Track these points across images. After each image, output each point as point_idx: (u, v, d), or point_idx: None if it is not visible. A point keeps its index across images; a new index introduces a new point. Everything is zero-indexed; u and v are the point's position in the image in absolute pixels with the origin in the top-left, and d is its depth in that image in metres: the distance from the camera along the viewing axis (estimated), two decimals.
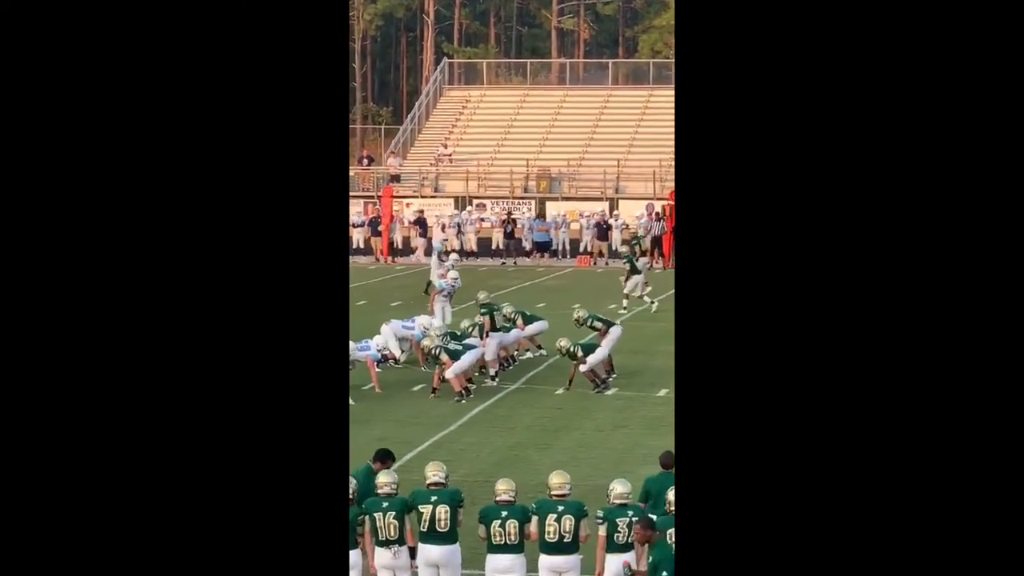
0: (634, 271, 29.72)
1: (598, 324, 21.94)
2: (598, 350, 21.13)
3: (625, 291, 29.72)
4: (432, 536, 11.22)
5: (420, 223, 42.62)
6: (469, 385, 20.62)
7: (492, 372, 21.66)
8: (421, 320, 23.16)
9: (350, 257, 38.51)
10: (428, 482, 11.46)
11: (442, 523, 11.21)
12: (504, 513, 11.13)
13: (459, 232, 42.75)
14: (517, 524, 11.08)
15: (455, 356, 20.47)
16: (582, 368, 20.79)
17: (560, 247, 42.83)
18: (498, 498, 11.26)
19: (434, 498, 11.30)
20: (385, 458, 12.60)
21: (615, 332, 21.81)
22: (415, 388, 21.26)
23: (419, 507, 11.28)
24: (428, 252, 41.07)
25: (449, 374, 20.32)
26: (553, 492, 11.31)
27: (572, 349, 20.86)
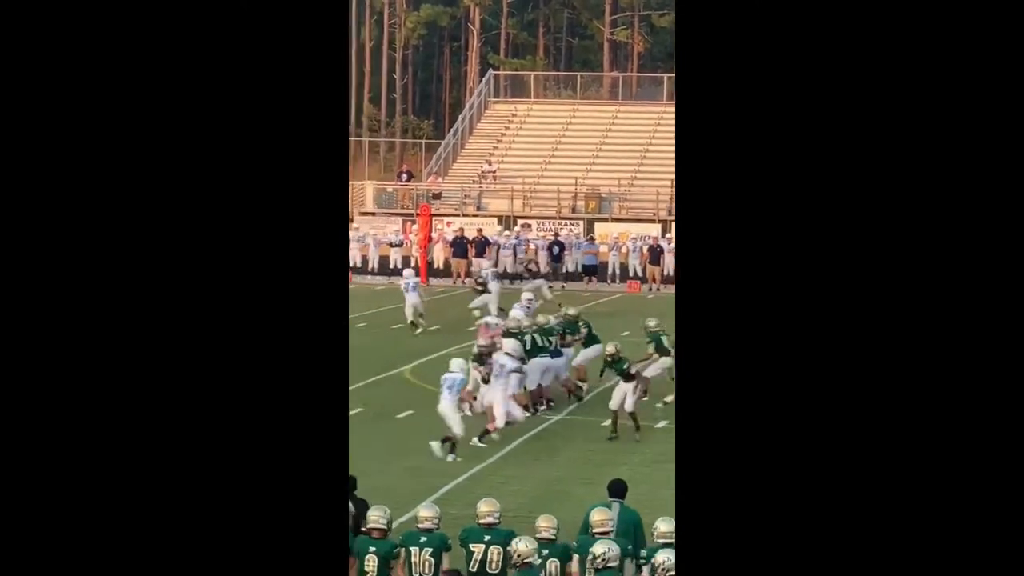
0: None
1: (651, 348, 21.95)
2: (650, 367, 21.28)
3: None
4: None
5: (478, 244, 42.44)
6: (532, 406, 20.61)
7: (537, 404, 21.64)
8: (515, 313, 23.44)
9: (387, 278, 38.67)
10: (481, 521, 11.48)
11: (493, 564, 11.23)
12: (545, 551, 11.20)
13: (514, 254, 42.70)
14: (559, 564, 11.13)
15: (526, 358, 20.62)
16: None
17: (612, 271, 42.83)
18: (539, 535, 11.32)
19: (487, 537, 11.33)
20: (624, 490, 12.59)
21: (667, 362, 21.84)
22: None
23: (471, 546, 11.30)
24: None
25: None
26: (595, 530, 11.36)
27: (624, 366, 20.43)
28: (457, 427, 19.02)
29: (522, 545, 10.74)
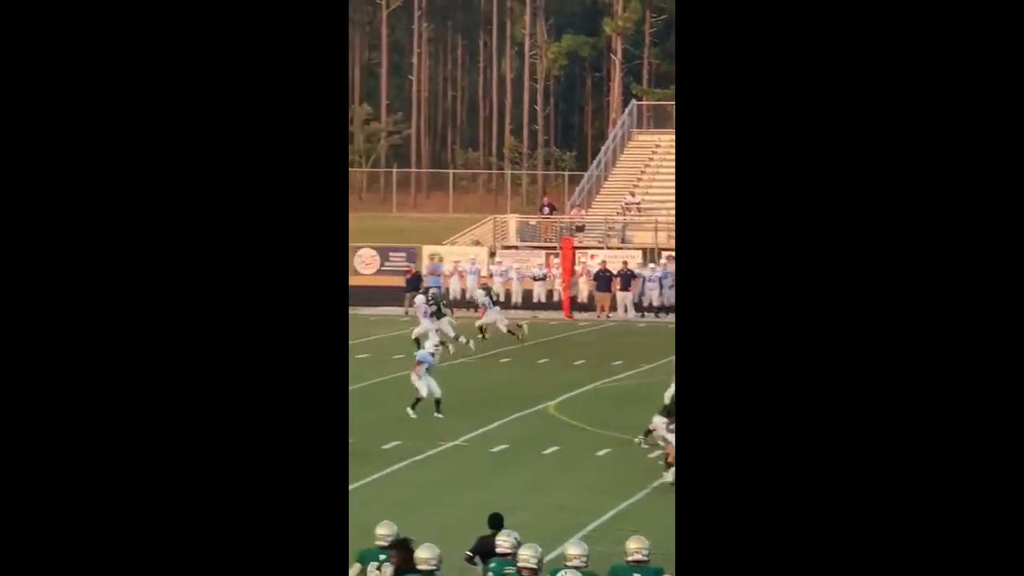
0: None
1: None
2: None
3: None
4: None
5: (623, 277, 42.39)
6: None
7: None
8: None
9: (532, 312, 38.77)
10: (630, 558, 11.56)
11: None
12: None
13: (660, 287, 42.38)
14: None
15: None
16: None
17: None
18: None
19: (636, 575, 11.44)
20: None
21: None
22: (600, 452, 21.51)
23: None
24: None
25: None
26: None
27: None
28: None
29: None
